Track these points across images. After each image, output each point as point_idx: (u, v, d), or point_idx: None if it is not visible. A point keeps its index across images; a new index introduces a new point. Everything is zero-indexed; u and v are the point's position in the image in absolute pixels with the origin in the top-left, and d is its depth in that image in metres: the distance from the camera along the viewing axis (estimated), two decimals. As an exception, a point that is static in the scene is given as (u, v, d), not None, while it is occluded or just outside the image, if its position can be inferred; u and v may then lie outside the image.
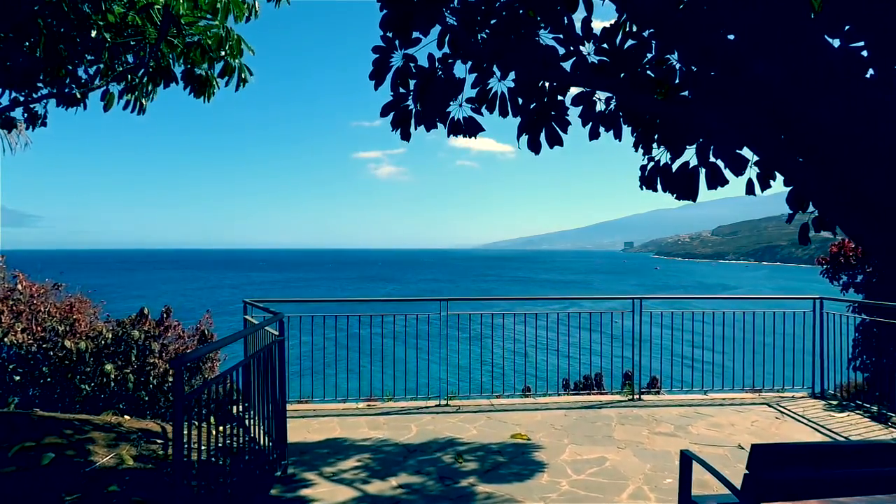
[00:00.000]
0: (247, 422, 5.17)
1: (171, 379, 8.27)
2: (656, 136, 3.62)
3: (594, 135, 3.46)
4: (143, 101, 6.46)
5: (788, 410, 6.73)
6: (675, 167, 3.09)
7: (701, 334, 7.44)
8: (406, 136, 3.79)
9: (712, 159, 3.09)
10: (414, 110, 3.77)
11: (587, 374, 9.84)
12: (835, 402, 7.07)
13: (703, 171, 3.02)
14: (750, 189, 3.66)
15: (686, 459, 2.97)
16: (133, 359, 8.14)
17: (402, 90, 3.79)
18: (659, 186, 3.15)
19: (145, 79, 6.19)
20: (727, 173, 3.05)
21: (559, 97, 3.52)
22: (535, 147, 3.59)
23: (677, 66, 3.12)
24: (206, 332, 9.32)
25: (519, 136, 3.60)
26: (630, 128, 3.40)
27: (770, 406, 6.96)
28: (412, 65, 3.82)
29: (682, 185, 3.05)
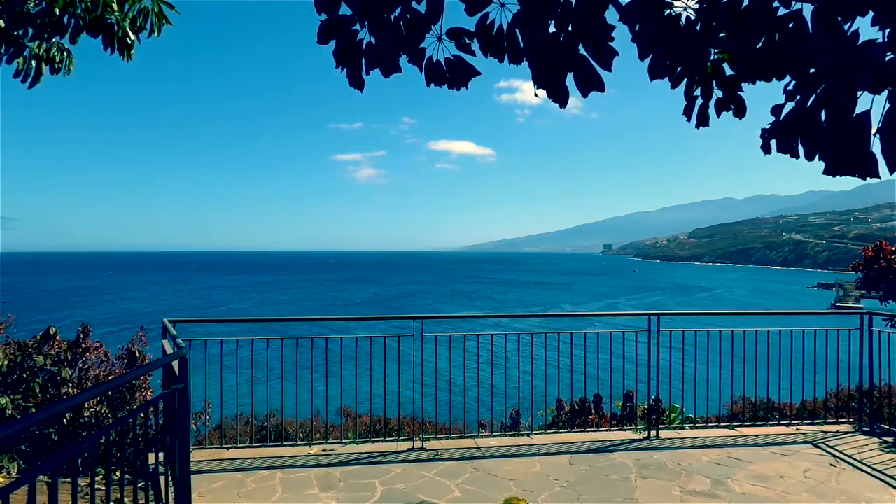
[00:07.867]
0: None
1: (87, 414, 6.76)
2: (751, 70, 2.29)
3: (658, 72, 2.14)
4: (33, 63, 4.95)
5: (842, 453, 5.50)
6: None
7: (730, 355, 6.18)
8: (357, 83, 2.42)
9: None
10: (365, 42, 2.40)
11: (583, 397, 8.57)
12: (890, 440, 5.88)
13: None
14: (874, 170, 2.37)
15: None
16: (37, 390, 6.60)
17: (348, 10, 2.41)
18: (801, 148, 1.81)
19: (26, 31, 4.70)
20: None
21: (595, 15, 2.20)
22: (560, 97, 2.26)
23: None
24: (138, 353, 7.84)
25: (535, 79, 2.26)
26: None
27: (815, 446, 5.72)
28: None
29: (842, 146, 1.72)
